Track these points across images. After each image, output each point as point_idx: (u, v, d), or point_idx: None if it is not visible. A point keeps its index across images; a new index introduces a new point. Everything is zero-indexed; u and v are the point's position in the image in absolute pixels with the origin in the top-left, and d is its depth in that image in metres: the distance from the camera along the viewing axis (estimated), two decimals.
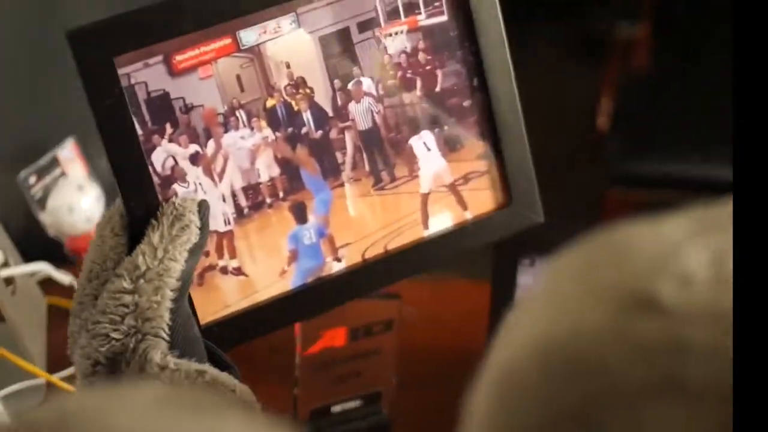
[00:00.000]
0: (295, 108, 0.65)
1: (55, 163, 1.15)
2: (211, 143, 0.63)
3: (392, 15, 0.66)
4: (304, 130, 0.65)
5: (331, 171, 0.66)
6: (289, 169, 0.65)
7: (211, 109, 0.63)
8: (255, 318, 0.65)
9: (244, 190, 0.65)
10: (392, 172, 0.68)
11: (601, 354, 0.32)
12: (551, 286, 0.37)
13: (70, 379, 0.92)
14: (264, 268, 0.66)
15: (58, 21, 1.24)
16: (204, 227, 0.60)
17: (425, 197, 0.69)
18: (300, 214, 0.66)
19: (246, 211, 0.65)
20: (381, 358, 0.89)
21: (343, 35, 0.65)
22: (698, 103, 1.90)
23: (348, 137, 0.67)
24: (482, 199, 0.70)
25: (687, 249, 0.33)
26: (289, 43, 0.64)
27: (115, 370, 0.58)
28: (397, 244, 0.68)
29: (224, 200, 0.64)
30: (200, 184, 0.63)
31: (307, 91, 0.65)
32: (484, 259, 0.91)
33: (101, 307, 0.58)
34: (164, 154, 0.62)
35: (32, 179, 1.12)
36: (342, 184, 0.67)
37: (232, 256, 0.65)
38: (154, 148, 0.62)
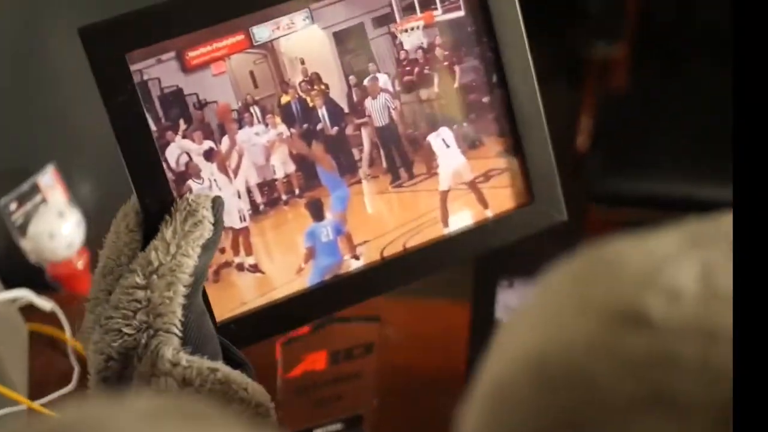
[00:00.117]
0: (311, 104, 0.64)
1: (35, 189, 1.15)
2: (225, 139, 0.63)
3: (408, 10, 0.65)
4: (319, 126, 0.65)
5: (347, 168, 0.66)
6: (304, 165, 0.65)
7: (225, 105, 0.62)
8: (272, 315, 0.65)
9: (260, 186, 0.64)
10: (410, 169, 0.67)
11: (590, 369, 0.32)
12: (542, 300, 0.37)
13: (51, 406, 0.91)
14: (281, 265, 0.65)
15: (39, 48, 1.24)
16: (218, 223, 0.60)
17: (444, 195, 0.68)
18: (317, 211, 0.66)
19: (261, 207, 0.64)
20: (362, 381, 0.88)
21: (358, 31, 0.64)
22: (677, 121, 1.89)
23: (365, 134, 0.66)
24: (503, 197, 0.69)
25: (676, 264, 0.33)
26: (303, 39, 0.63)
27: (127, 366, 0.58)
28: (417, 242, 0.67)
29: (239, 197, 0.64)
30: (215, 180, 0.63)
31: (322, 87, 0.64)
32: (464, 279, 0.91)
33: (114, 303, 0.58)
34: (178, 151, 0.62)
35: (13, 206, 1.13)
36: (359, 181, 0.66)
37: (248, 252, 0.65)
38: (168, 144, 0.61)
